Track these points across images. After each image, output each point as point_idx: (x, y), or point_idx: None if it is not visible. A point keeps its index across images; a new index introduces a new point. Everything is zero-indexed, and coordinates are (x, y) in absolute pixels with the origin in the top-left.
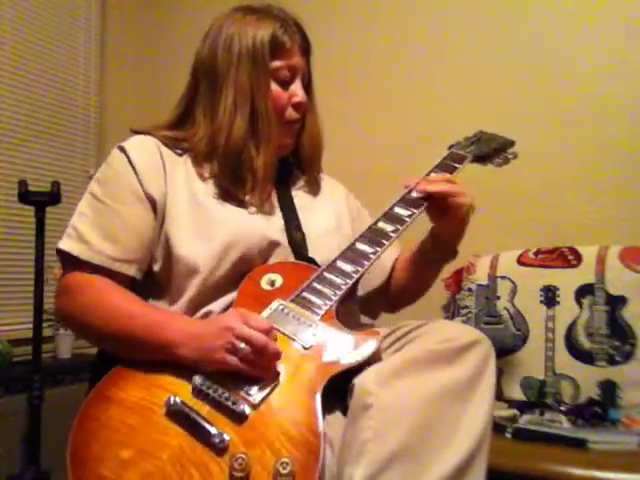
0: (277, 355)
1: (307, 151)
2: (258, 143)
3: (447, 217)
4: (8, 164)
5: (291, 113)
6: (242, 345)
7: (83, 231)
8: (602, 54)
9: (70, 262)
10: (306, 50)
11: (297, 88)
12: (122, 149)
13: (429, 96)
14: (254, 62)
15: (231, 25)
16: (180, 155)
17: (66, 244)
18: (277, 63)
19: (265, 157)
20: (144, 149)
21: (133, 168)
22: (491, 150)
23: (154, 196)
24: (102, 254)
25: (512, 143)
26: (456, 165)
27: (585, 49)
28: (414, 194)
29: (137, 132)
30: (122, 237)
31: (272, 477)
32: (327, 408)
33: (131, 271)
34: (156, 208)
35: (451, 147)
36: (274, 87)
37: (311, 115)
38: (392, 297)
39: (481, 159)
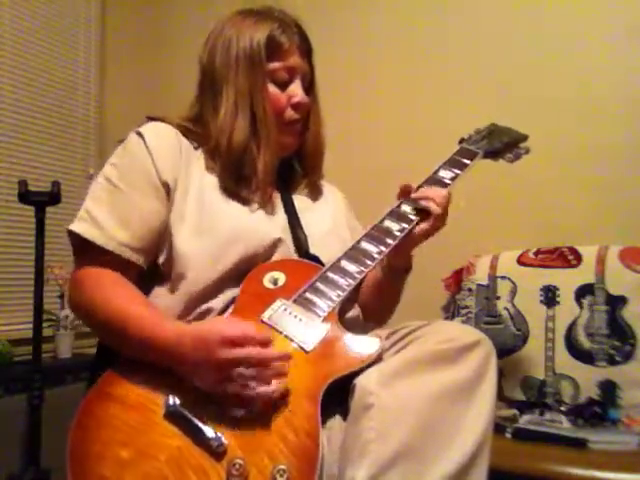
0: (277, 357)
1: (309, 152)
2: (259, 144)
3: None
4: (8, 164)
5: (291, 114)
6: (241, 370)
7: (97, 215)
8: (602, 54)
9: (82, 246)
10: (306, 51)
11: (296, 88)
12: (139, 134)
13: (432, 95)
14: (251, 64)
15: (230, 28)
16: (196, 148)
17: (79, 227)
18: (274, 65)
19: (266, 157)
20: (162, 135)
21: (150, 153)
22: (503, 145)
23: (169, 183)
24: (115, 240)
25: (525, 137)
26: (467, 162)
27: (585, 49)
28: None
29: (154, 119)
30: (135, 224)
31: None
32: (327, 408)
33: (140, 261)
34: (169, 195)
35: (462, 141)
36: (272, 89)
37: (314, 116)
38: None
39: (492, 155)
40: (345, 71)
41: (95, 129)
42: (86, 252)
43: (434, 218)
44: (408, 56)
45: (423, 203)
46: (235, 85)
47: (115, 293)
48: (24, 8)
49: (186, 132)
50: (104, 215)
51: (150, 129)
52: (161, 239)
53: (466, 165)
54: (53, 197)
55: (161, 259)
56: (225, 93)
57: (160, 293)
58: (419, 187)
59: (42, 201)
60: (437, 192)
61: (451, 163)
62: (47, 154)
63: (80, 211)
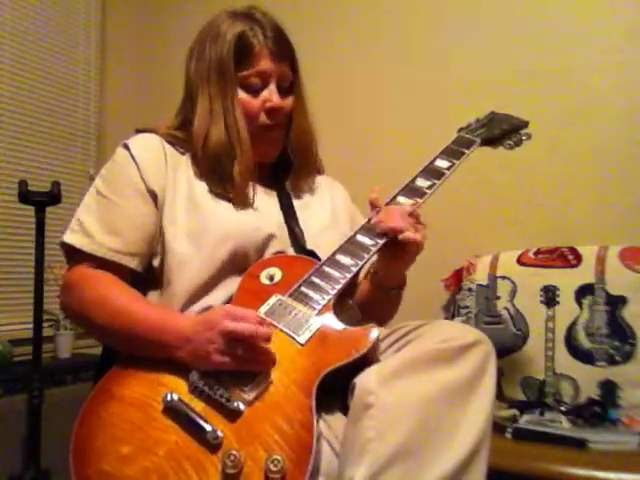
0: (268, 338)
1: (298, 150)
2: (234, 152)
3: (396, 252)
4: (8, 164)
5: (264, 119)
6: (233, 344)
7: (87, 225)
8: (602, 54)
9: (74, 255)
10: (282, 53)
11: (270, 93)
12: (126, 146)
13: (431, 94)
14: (221, 74)
15: (206, 33)
16: (182, 154)
17: (70, 237)
18: (245, 72)
19: (241, 166)
20: (147, 145)
21: (136, 164)
22: (502, 132)
23: (155, 190)
24: (105, 247)
25: (525, 124)
26: (464, 150)
27: (586, 49)
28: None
29: (141, 131)
30: (125, 231)
31: (263, 474)
32: (327, 408)
33: (133, 264)
34: (157, 202)
35: (460, 130)
36: (243, 96)
37: (299, 114)
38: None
39: (491, 142)
40: (344, 70)
41: (95, 129)
42: (78, 260)
43: (403, 248)
44: (408, 55)
45: (386, 230)
46: (208, 94)
47: (113, 292)
48: (24, 8)
49: (172, 140)
50: (93, 223)
51: (136, 141)
52: (154, 242)
53: (463, 153)
54: (53, 197)
55: (155, 262)
56: (200, 101)
57: (154, 296)
58: (399, 193)
59: (42, 201)
60: (394, 217)
61: (448, 152)
62: (47, 154)
63: (72, 222)
